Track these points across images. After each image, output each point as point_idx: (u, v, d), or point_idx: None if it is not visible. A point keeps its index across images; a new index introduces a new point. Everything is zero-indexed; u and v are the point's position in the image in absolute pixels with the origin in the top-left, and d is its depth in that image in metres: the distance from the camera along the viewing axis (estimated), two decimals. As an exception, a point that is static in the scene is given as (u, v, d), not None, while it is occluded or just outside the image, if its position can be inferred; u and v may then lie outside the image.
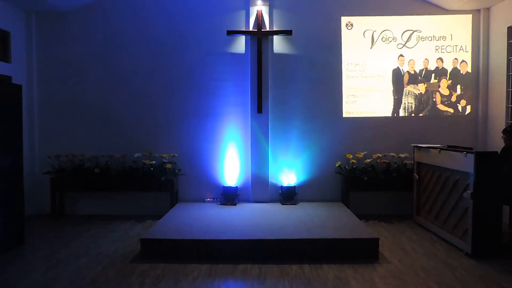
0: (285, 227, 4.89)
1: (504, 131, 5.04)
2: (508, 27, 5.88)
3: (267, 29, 6.40)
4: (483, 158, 4.38)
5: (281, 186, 6.43)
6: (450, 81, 6.53)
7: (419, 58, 6.53)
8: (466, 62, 6.50)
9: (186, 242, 4.47)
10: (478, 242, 4.41)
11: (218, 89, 6.51)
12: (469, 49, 6.48)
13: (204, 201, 6.45)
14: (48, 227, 5.78)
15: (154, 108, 6.53)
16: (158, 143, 6.50)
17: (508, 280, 3.83)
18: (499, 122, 6.01)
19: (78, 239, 5.19)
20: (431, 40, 6.51)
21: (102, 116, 6.53)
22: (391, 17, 6.49)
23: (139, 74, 6.51)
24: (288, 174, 6.50)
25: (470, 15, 6.44)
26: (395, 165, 6.24)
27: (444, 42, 6.50)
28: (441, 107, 6.55)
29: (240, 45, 6.50)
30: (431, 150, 5.38)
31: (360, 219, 5.35)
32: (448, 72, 6.52)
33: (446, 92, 6.54)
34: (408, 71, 6.54)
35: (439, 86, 6.55)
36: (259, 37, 6.33)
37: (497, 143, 5.66)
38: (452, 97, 6.54)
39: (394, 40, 6.51)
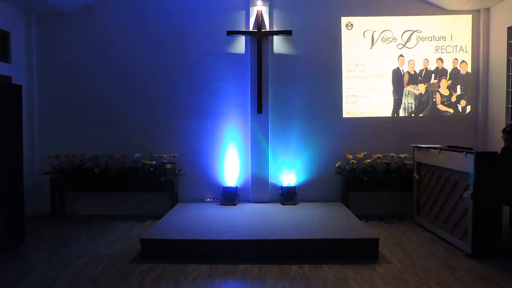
0: (285, 227, 4.89)
1: (504, 131, 5.05)
2: (508, 27, 5.88)
3: (267, 29, 6.40)
4: (483, 158, 4.38)
5: (281, 186, 6.43)
6: (450, 81, 6.53)
7: (419, 58, 6.53)
8: (466, 62, 6.51)
9: (186, 242, 4.46)
10: (478, 242, 4.41)
11: (218, 89, 6.51)
12: (469, 49, 6.48)
13: (204, 201, 6.45)
14: (48, 227, 5.78)
15: (154, 108, 6.53)
16: (158, 143, 6.50)
17: (508, 280, 3.83)
18: (499, 122, 6.01)
19: (78, 239, 5.19)
20: (431, 40, 6.51)
21: (102, 116, 6.53)
22: (391, 17, 6.49)
23: (139, 74, 6.51)
24: (288, 174, 6.50)
25: (470, 15, 6.44)
26: (395, 165, 6.24)
27: (444, 42, 6.50)
28: (441, 107, 6.55)
29: (240, 45, 6.50)
30: (431, 150, 5.38)
31: (360, 219, 5.35)
32: (448, 72, 6.53)
33: (446, 92, 6.54)
34: (408, 71, 6.54)
35: (439, 87, 6.55)
36: (259, 37, 6.33)
37: (497, 143, 5.66)
38: (452, 97, 6.55)
39: (394, 40, 6.52)
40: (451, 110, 6.55)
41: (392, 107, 6.56)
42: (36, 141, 6.49)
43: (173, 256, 4.40)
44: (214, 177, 6.54)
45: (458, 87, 6.54)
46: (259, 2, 6.34)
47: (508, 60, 5.91)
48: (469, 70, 6.50)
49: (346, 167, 6.31)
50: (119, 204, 6.50)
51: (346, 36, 6.52)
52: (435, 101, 6.55)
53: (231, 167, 6.51)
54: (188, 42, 6.48)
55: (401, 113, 6.56)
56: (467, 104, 6.54)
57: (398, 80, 6.55)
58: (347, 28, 6.52)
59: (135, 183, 6.21)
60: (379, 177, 6.20)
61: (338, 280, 3.85)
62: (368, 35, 6.52)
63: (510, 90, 5.90)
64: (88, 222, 6.04)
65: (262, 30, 6.34)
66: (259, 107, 6.36)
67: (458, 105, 6.55)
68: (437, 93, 6.55)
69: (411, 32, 6.51)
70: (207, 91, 6.51)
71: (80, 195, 6.53)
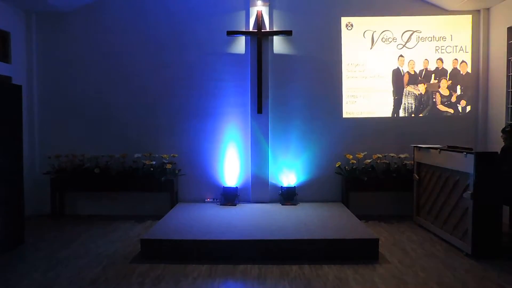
0: (285, 228, 4.89)
1: (503, 131, 5.05)
2: (508, 28, 5.88)
3: (267, 29, 6.40)
4: (483, 159, 4.39)
5: (281, 186, 6.43)
6: (450, 81, 6.53)
7: (419, 58, 6.53)
8: (466, 63, 6.51)
9: (186, 242, 4.47)
10: (478, 242, 4.41)
11: (218, 89, 6.51)
12: (469, 49, 6.49)
13: (204, 202, 6.45)
14: (48, 227, 5.78)
15: (154, 108, 6.53)
16: (158, 143, 6.50)
17: (508, 280, 3.83)
18: (499, 122, 6.01)
19: (78, 239, 5.19)
20: (431, 40, 6.51)
21: (102, 116, 6.53)
22: (391, 17, 6.49)
23: (139, 74, 6.51)
24: (288, 174, 6.50)
25: (470, 16, 6.44)
26: (395, 166, 6.24)
27: (444, 42, 6.50)
28: (441, 107, 6.55)
29: (240, 45, 6.50)
30: (431, 150, 5.38)
31: (360, 220, 5.35)
32: (448, 72, 6.53)
33: (446, 92, 6.55)
34: (408, 72, 6.54)
35: (439, 87, 6.55)
36: (259, 38, 6.33)
37: (497, 143, 5.66)
38: (452, 97, 6.55)
39: (394, 40, 6.52)
40: (451, 110, 6.55)
41: (392, 107, 6.56)
42: (36, 141, 6.49)
43: (173, 256, 4.40)
44: (214, 177, 6.54)
45: (458, 87, 6.54)
46: (259, 2, 6.34)
47: (508, 60, 5.91)
48: (469, 70, 6.50)
49: (346, 167, 6.31)
50: (119, 204, 6.50)
51: (346, 36, 6.52)
52: (435, 101, 6.56)
53: (231, 167, 6.51)
54: (188, 42, 6.48)
55: (401, 113, 6.56)
56: (467, 104, 6.54)
57: (398, 80, 6.55)
58: (347, 28, 6.52)
59: (135, 183, 6.21)
60: (379, 177, 6.20)
61: (338, 280, 3.85)
62: (368, 35, 6.52)
63: (510, 90, 5.91)
64: (88, 222, 6.04)
65: (262, 30, 6.34)
66: (259, 107, 6.36)
67: (458, 105, 6.55)
68: (437, 93, 6.55)
69: (411, 32, 6.51)
70: (207, 91, 6.51)
71: (80, 195, 6.53)
